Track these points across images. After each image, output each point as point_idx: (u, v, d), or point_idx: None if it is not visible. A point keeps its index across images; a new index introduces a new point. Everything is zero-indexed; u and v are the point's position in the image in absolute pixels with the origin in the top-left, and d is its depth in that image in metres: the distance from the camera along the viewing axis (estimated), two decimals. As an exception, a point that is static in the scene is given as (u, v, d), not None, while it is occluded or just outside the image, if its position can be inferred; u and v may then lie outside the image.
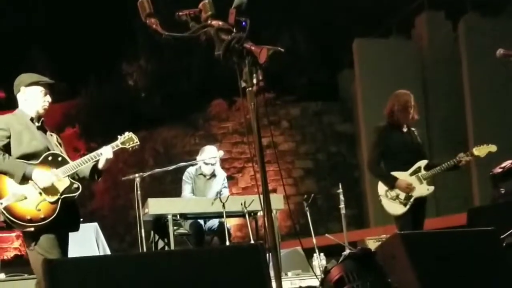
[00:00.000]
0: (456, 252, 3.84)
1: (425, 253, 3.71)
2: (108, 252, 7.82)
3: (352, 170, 15.38)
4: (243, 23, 2.81)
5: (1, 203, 4.25)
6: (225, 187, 7.65)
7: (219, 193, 7.40)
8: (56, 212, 4.38)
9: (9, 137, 4.45)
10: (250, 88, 2.78)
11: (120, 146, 4.86)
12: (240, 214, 7.07)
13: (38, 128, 4.63)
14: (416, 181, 6.01)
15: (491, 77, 12.21)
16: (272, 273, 2.99)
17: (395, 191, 6.00)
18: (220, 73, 13.93)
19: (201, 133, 15.38)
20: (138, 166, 14.28)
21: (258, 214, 7.18)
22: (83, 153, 16.13)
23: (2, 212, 4.26)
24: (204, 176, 7.54)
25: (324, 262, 7.16)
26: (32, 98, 4.61)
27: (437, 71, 14.20)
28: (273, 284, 2.93)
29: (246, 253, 3.24)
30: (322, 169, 15.23)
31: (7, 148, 4.44)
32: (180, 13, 2.97)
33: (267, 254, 3.15)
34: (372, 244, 7.44)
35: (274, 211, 6.69)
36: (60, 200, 4.43)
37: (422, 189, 6.00)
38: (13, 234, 6.81)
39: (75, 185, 4.55)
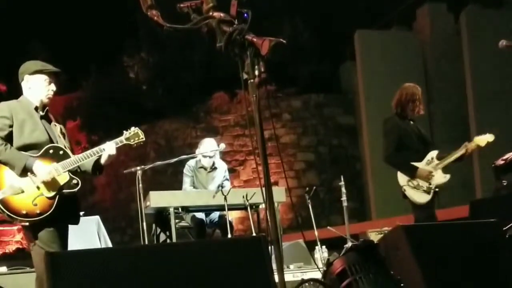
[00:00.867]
0: (458, 244, 3.84)
1: (427, 245, 3.71)
2: (110, 245, 7.82)
3: (354, 163, 15.37)
4: (245, 14, 2.79)
5: None
6: (226, 179, 7.64)
7: (220, 185, 7.39)
8: (52, 208, 4.32)
9: (11, 126, 4.39)
10: (252, 80, 2.76)
11: (125, 142, 4.81)
12: (242, 207, 7.07)
13: (42, 117, 4.54)
14: (433, 170, 5.99)
15: (493, 69, 12.19)
16: (274, 266, 2.98)
17: (416, 180, 5.97)
18: (221, 65, 13.92)
19: (203, 125, 15.37)
20: (139, 159, 14.29)
21: (260, 206, 7.17)
22: (84, 146, 16.15)
23: None
24: (205, 169, 7.54)
25: (326, 254, 7.15)
26: (36, 86, 4.54)
27: (439, 63, 14.18)
28: (275, 276, 2.92)
29: (248, 246, 3.24)
30: (324, 161, 15.22)
31: (8, 137, 4.38)
32: (182, 5, 2.96)
33: (269, 247, 3.14)
34: (374, 236, 7.43)
35: (276, 204, 6.67)
36: (58, 196, 4.37)
37: (440, 177, 5.98)
38: (15, 228, 6.81)
39: (74, 181, 4.48)
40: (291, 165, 14.95)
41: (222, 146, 7.63)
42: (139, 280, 2.90)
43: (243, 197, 6.78)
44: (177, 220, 7.06)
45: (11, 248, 7.06)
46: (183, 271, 3.00)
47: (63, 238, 4.50)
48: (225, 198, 6.67)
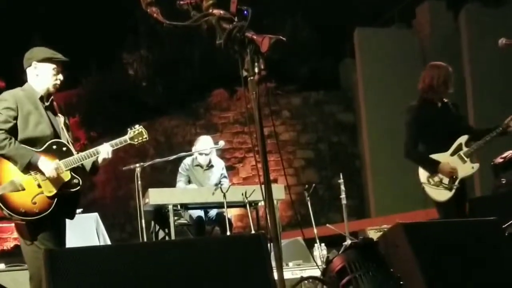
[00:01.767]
0: (458, 242, 3.84)
1: (427, 243, 3.70)
2: (109, 242, 7.81)
3: (353, 160, 15.37)
4: (245, 12, 2.79)
5: None
6: (224, 177, 7.64)
7: (218, 184, 7.39)
8: (51, 208, 4.26)
9: (16, 118, 4.28)
10: (251, 78, 2.76)
11: (128, 141, 4.75)
12: (241, 204, 7.07)
13: (47, 108, 4.44)
14: (458, 161, 5.59)
15: (492, 67, 12.19)
16: (273, 263, 2.98)
17: (438, 176, 5.58)
18: (221, 63, 13.91)
19: (202, 122, 15.36)
20: (139, 156, 14.27)
21: (259, 204, 7.18)
22: (83, 142, 16.15)
23: None
24: (201, 166, 7.54)
25: (325, 252, 7.15)
26: (44, 74, 4.43)
27: (438, 61, 14.13)
28: (275, 274, 2.92)
29: (247, 243, 3.24)
30: (323, 159, 15.22)
31: (13, 130, 4.28)
32: (182, 2, 2.95)
33: (268, 244, 3.14)
34: (373, 234, 7.43)
35: (275, 201, 6.68)
36: (58, 195, 4.31)
37: (467, 169, 5.58)
38: (13, 224, 6.79)
39: (75, 180, 4.42)
40: (290, 163, 14.95)
41: (222, 143, 7.62)
42: (138, 278, 2.89)
43: (242, 194, 6.78)
44: (176, 217, 7.07)
45: (9, 245, 7.06)
46: (182, 269, 3.00)
47: (59, 236, 4.42)
48: (224, 196, 6.67)
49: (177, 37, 15.71)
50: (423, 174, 5.70)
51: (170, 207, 6.81)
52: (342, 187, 7.38)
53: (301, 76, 15.53)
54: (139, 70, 16.67)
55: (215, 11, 2.85)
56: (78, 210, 5.06)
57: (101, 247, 5.02)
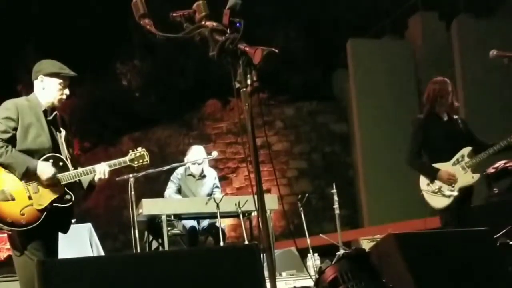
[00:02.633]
0: (450, 252, 3.85)
1: (419, 253, 3.71)
2: (102, 252, 7.80)
3: (346, 170, 15.40)
4: (237, 23, 2.80)
5: None
6: (217, 187, 7.63)
7: (210, 194, 7.39)
8: (39, 221, 4.22)
9: (15, 129, 4.26)
10: (244, 89, 2.77)
11: (128, 163, 4.70)
12: (234, 214, 7.06)
13: (49, 121, 4.42)
14: (459, 171, 5.66)
15: (484, 78, 12.25)
16: (266, 273, 2.99)
17: (436, 183, 5.66)
18: (214, 74, 13.94)
19: (195, 133, 15.38)
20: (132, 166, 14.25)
21: (252, 214, 7.18)
22: (76, 153, 16.08)
23: None
24: (194, 176, 7.54)
25: (318, 262, 7.16)
26: (50, 89, 4.40)
27: (431, 71, 14.18)
28: (267, 284, 2.92)
29: (240, 254, 3.24)
30: (317, 169, 15.24)
31: (11, 139, 4.25)
32: (174, 14, 2.97)
33: (262, 254, 3.15)
34: (366, 244, 7.45)
35: (268, 211, 6.68)
36: (47, 209, 4.28)
37: (467, 178, 5.64)
38: (6, 235, 6.77)
39: (67, 196, 4.39)
40: (283, 173, 14.97)
41: (215, 153, 7.63)
42: (131, 288, 2.89)
43: (236, 204, 6.78)
44: (169, 228, 7.06)
45: (2, 255, 7.02)
46: (175, 279, 3.00)
47: (50, 247, 4.39)
48: (218, 206, 6.67)
49: (170, 48, 15.74)
50: (423, 181, 5.78)
51: (164, 217, 6.80)
52: (335, 197, 7.40)
53: (294, 86, 15.57)
54: (132, 80, 16.70)
55: (208, 23, 2.86)
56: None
57: (94, 258, 4.99)
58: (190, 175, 7.55)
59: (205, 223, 7.39)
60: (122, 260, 3.12)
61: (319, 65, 15.92)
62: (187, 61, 15.70)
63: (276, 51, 2.73)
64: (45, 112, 4.42)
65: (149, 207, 6.86)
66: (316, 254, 7.25)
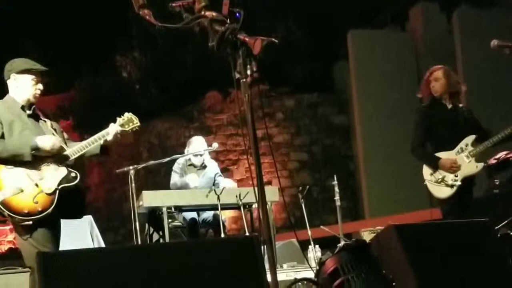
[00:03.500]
0: (450, 243, 3.84)
1: (419, 245, 3.71)
2: (103, 245, 7.81)
3: (347, 162, 15.38)
4: (237, 14, 2.79)
5: None
6: (220, 175, 7.64)
7: (212, 184, 7.39)
8: (54, 204, 4.31)
9: (2, 134, 4.37)
10: (244, 80, 2.76)
11: (120, 128, 4.80)
12: (235, 206, 7.06)
13: (30, 116, 4.53)
14: (463, 159, 5.62)
15: (485, 68, 12.22)
16: (267, 265, 2.98)
17: (439, 172, 5.62)
18: (214, 65, 13.90)
19: (196, 125, 15.35)
20: (132, 159, 14.26)
21: (253, 206, 7.17)
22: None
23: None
24: (195, 166, 7.54)
25: (319, 254, 7.15)
26: (23, 86, 4.51)
27: (431, 63, 14.07)
28: (268, 276, 2.92)
29: (241, 245, 3.24)
30: (317, 161, 15.22)
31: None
32: (174, 4, 2.95)
33: (262, 246, 3.14)
34: (367, 235, 7.43)
35: (269, 203, 6.69)
36: (57, 191, 4.36)
37: (470, 167, 5.60)
38: (7, 227, 6.78)
39: (72, 174, 4.48)
40: (284, 165, 14.95)
41: (215, 145, 7.63)
42: (131, 280, 2.89)
43: (236, 196, 6.78)
44: (170, 220, 7.06)
45: (3, 248, 7.02)
46: (176, 271, 3.00)
47: (58, 237, 4.50)
48: (218, 198, 6.66)
49: (170, 39, 15.70)
50: (426, 171, 5.75)
51: (164, 209, 6.80)
52: (336, 189, 7.39)
53: (295, 78, 15.53)
54: (132, 72, 16.66)
55: (208, 13, 2.85)
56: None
57: (94, 250, 5.01)
58: (191, 165, 7.55)
59: (206, 215, 7.39)
60: (122, 252, 3.12)
61: (319, 56, 15.87)
62: (187, 52, 15.66)
63: (276, 41, 2.72)
64: (23, 108, 4.52)
65: (150, 199, 6.85)
66: (317, 246, 7.23)
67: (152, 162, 7.92)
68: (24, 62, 4.58)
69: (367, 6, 15.29)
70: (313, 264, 6.48)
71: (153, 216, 7.07)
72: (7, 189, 4.23)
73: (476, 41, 11.74)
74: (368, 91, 14.01)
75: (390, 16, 15.21)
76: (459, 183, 5.58)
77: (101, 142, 4.65)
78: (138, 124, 4.95)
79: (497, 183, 7.04)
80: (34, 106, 4.59)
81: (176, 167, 7.59)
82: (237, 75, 2.77)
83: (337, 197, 7.38)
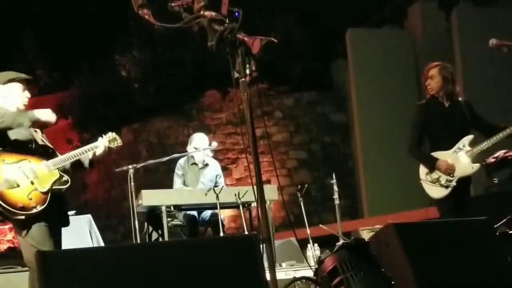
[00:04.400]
0: (449, 242, 3.85)
1: (418, 243, 3.72)
2: (102, 244, 7.80)
3: (346, 160, 15.40)
4: (236, 13, 2.80)
5: None
6: (220, 177, 7.63)
7: (214, 182, 7.40)
8: (46, 203, 4.41)
9: None
10: (243, 79, 2.77)
11: (107, 144, 4.99)
12: (234, 205, 7.05)
13: None
14: (459, 160, 5.58)
15: (484, 67, 12.23)
16: (266, 264, 2.99)
17: (436, 173, 5.59)
18: (213, 64, 13.91)
19: (195, 124, 15.36)
20: (131, 158, 14.26)
21: (252, 205, 7.16)
22: (76, 144, 16.12)
23: None
24: (196, 165, 7.53)
25: (318, 252, 7.16)
26: (11, 94, 4.62)
27: (430, 61, 14.15)
28: (267, 274, 2.93)
29: (240, 244, 3.24)
30: (316, 159, 15.24)
31: None
32: (173, 4, 2.96)
33: (261, 245, 3.15)
34: (366, 234, 7.44)
35: (268, 202, 6.69)
36: (50, 191, 4.47)
37: (466, 168, 5.56)
38: (6, 227, 6.78)
39: (64, 178, 4.61)
40: (283, 163, 14.96)
41: (214, 144, 7.61)
42: (130, 279, 2.90)
43: (235, 195, 6.77)
44: (169, 219, 7.06)
45: (2, 247, 7.02)
46: (175, 270, 3.00)
47: (57, 236, 4.57)
48: (217, 197, 6.66)
49: (169, 38, 15.71)
50: (422, 170, 5.74)
51: (163, 208, 6.79)
52: (335, 188, 7.39)
53: (294, 76, 15.54)
54: (131, 71, 16.67)
55: (207, 13, 2.86)
56: (71, 212, 5.17)
57: (93, 249, 5.03)
58: (193, 164, 7.53)
59: (205, 214, 7.39)
60: (121, 251, 3.13)
61: (318, 55, 15.88)
62: (186, 51, 15.67)
63: (275, 40, 2.72)
64: None
65: (149, 198, 6.85)
66: (316, 245, 7.24)
67: (151, 161, 7.92)
68: (7, 74, 4.71)
69: (366, 4, 15.29)
70: (312, 263, 6.49)
71: (152, 215, 7.07)
72: (4, 182, 4.32)
73: (475, 39, 11.75)
74: (367, 89, 14.02)
75: (389, 14, 15.21)
76: (454, 184, 5.56)
77: (90, 154, 4.84)
78: (121, 144, 5.14)
79: (495, 181, 7.04)
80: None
81: (177, 168, 7.57)
82: (236, 74, 2.78)
83: (336, 196, 7.38)
